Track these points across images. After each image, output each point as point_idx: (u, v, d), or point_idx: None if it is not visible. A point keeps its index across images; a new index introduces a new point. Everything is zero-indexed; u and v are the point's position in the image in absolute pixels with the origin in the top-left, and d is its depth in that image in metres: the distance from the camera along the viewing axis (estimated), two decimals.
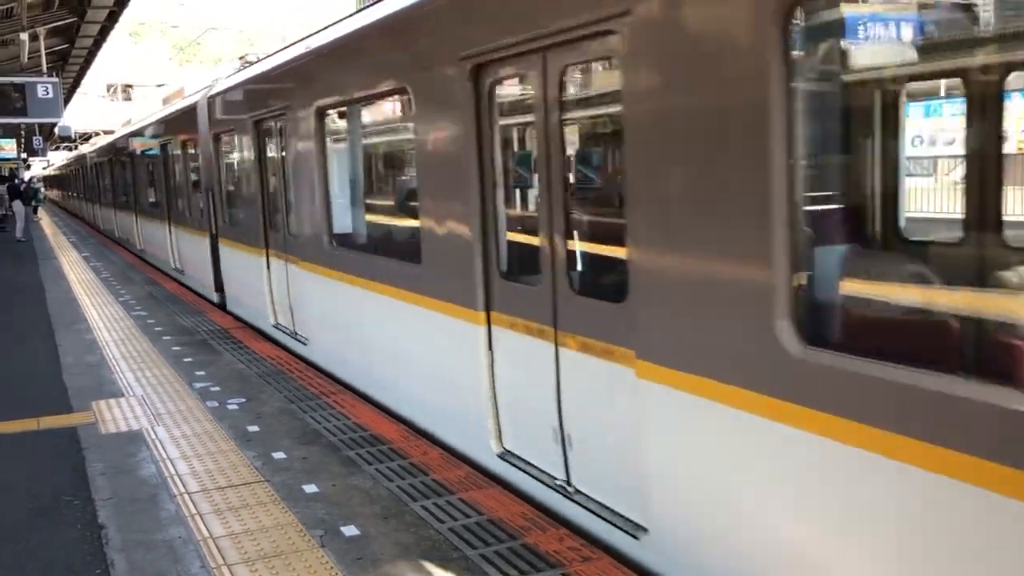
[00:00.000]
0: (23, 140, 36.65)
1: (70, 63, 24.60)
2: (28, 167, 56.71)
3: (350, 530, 4.68)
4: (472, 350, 5.42)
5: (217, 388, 7.79)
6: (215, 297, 12.93)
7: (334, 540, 4.58)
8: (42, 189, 56.05)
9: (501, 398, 5.34)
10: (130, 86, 39.06)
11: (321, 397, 7.34)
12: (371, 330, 7.17)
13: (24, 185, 34.71)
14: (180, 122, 14.19)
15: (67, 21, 18.60)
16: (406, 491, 5.18)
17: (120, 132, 23.81)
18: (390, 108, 7.79)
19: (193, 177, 13.99)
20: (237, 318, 11.42)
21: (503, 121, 5.34)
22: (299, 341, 9.06)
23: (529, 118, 5.07)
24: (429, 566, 4.27)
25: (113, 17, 18.68)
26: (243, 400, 7.36)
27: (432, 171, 5.82)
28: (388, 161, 8.65)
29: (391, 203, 8.05)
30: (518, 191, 5.66)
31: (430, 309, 5.91)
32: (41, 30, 17.36)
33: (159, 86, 34.63)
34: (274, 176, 9.54)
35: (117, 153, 22.76)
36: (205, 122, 12.21)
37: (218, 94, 11.58)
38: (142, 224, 20.01)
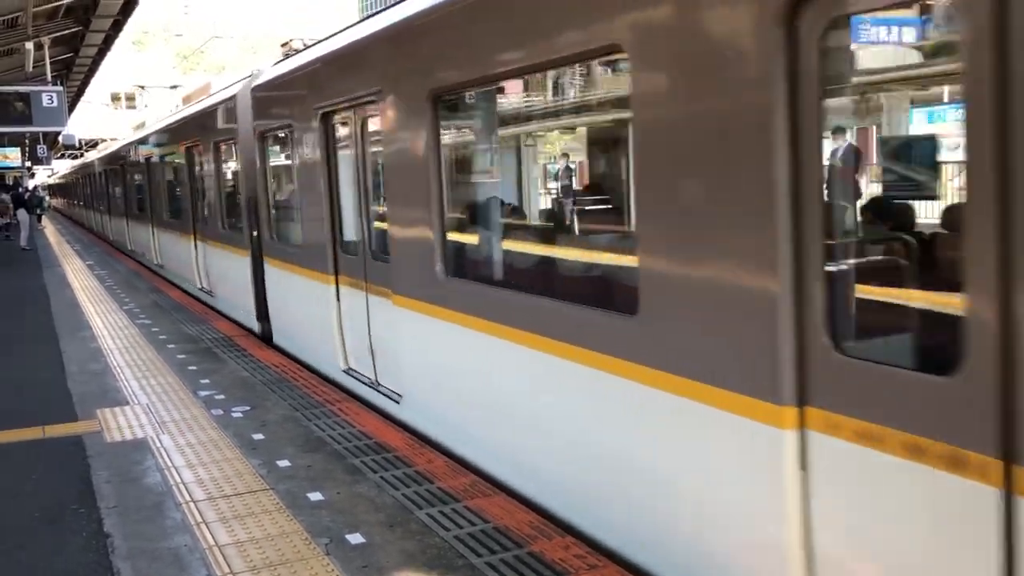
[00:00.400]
0: (27, 149, 36.83)
1: (74, 72, 24.75)
2: (32, 175, 56.93)
3: (355, 538, 4.68)
4: (764, 466, 3.41)
5: (222, 396, 7.80)
6: (255, 327, 10.80)
7: (339, 548, 4.58)
8: (46, 198, 56.26)
9: (824, 550, 3.28)
10: (142, 86, 38.21)
11: (325, 405, 7.34)
12: (526, 403, 5.09)
13: (28, 194, 34.85)
14: (211, 120, 12.09)
15: (72, 30, 18.70)
16: (411, 499, 5.18)
17: (134, 136, 21.67)
18: (564, 82, 5.88)
19: (229, 184, 12.09)
20: (287, 355, 9.54)
21: (852, 81, 3.50)
22: (385, 395, 7.05)
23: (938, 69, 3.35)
24: (435, 574, 4.27)
25: (117, 26, 18.81)
26: (247, 408, 7.36)
27: (668, 174, 3.78)
28: (556, 161, 6.67)
29: (560, 219, 6.06)
30: (893, 203, 3.93)
31: (660, 389, 3.89)
32: (46, 39, 17.46)
33: (173, 87, 34.38)
34: (351, 183, 7.53)
35: (130, 158, 20.54)
36: (247, 118, 10.07)
37: (266, 83, 9.47)
38: (160, 237, 17.55)
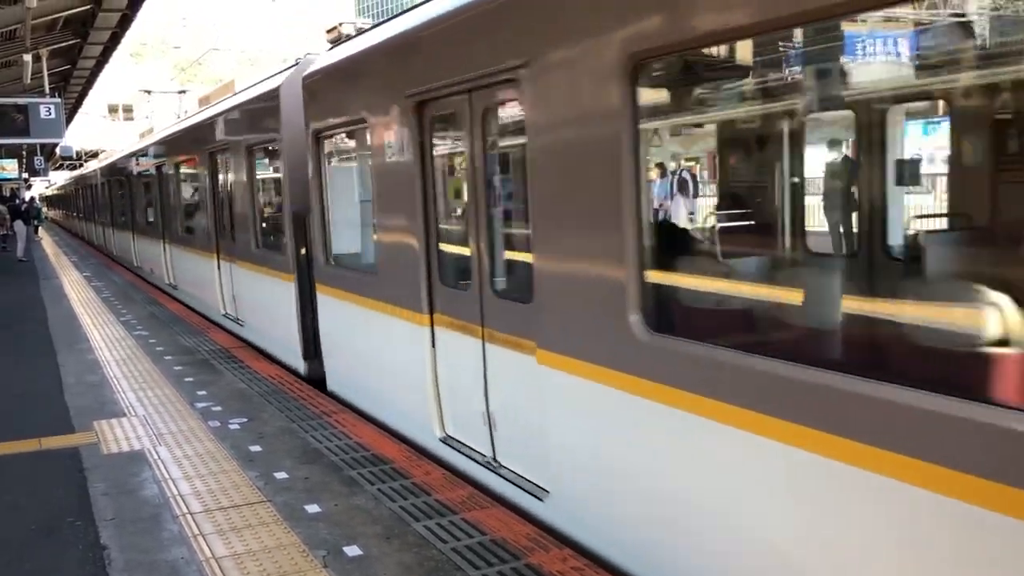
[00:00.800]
0: (24, 160, 36.85)
1: (72, 84, 24.79)
2: (29, 187, 56.96)
3: (353, 550, 4.68)
4: None
5: (219, 408, 7.79)
6: (300, 367, 9.08)
7: (337, 560, 4.57)
8: (44, 209, 56.31)
9: None
10: (148, 91, 37.55)
11: (322, 417, 7.34)
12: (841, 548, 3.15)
13: (26, 205, 34.87)
14: (244, 120, 10.46)
15: (70, 43, 18.75)
16: (408, 511, 5.18)
17: (141, 143, 20.02)
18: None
19: (266, 195, 10.45)
20: (348, 406, 7.73)
21: None
22: (512, 482, 5.27)
23: None
24: None
25: (115, 39, 18.85)
26: (245, 420, 7.36)
27: None
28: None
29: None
30: None
31: None
32: (44, 51, 17.50)
33: (181, 92, 34.11)
34: (461, 193, 5.94)
35: (138, 167, 18.85)
36: (294, 115, 8.35)
37: (326, 70, 7.67)
38: (174, 254, 15.79)
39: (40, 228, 41.98)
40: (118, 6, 16.04)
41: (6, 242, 29.79)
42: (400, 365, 6.55)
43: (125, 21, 17.32)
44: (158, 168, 16.44)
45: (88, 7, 15.88)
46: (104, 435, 7.05)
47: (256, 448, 6.56)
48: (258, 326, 10.69)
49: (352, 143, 8.10)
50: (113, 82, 42.31)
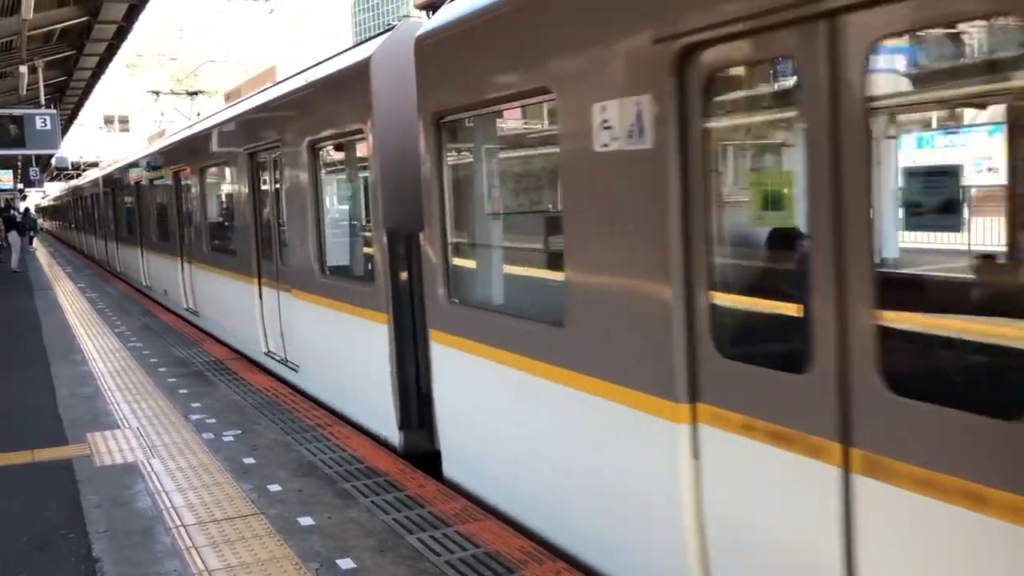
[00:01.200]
0: (20, 171, 36.84)
1: (68, 95, 24.81)
2: (24, 197, 56.95)
3: (346, 563, 4.67)
4: None
5: (213, 420, 7.78)
6: (394, 437, 6.82)
7: (330, 573, 4.57)
8: (39, 220, 56.27)
9: None
10: (156, 92, 36.75)
11: (316, 429, 7.33)
12: None
13: (21, 216, 34.86)
14: (304, 110, 8.27)
15: (66, 54, 18.78)
16: (402, 523, 5.18)
17: (152, 147, 17.76)
18: None
19: (339, 207, 8.38)
20: (480, 504, 5.52)
21: None
22: None
23: None
24: None
25: (112, 50, 18.88)
26: (239, 432, 7.35)
27: None
28: None
29: None
30: None
31: None
32: (40, 63, 17.52)
33: (192, 94, 33.51)
34: (775, 205, 3.59)
35: (148, 176, 16.75)
36: (391, 97, 6.47)
37: (464, 20, 5.41)
38: (196, 276, 13.43)
39: (35, 239, 41.85)
40: (114, 18, 16.07)
41: (0, 253, 29.76)
42: (613, 474, 4.31)
43: (121, 33, 17.35)
44: (175, 175, 14.19)
45: (84, 19, 15.91)
46: (97, 447, 7.04)
47: (250, 460, 6.55)
48: (325, 377, 8.29)
49: (505, 127, 6.05)
50: (109, 93, 42.28)
